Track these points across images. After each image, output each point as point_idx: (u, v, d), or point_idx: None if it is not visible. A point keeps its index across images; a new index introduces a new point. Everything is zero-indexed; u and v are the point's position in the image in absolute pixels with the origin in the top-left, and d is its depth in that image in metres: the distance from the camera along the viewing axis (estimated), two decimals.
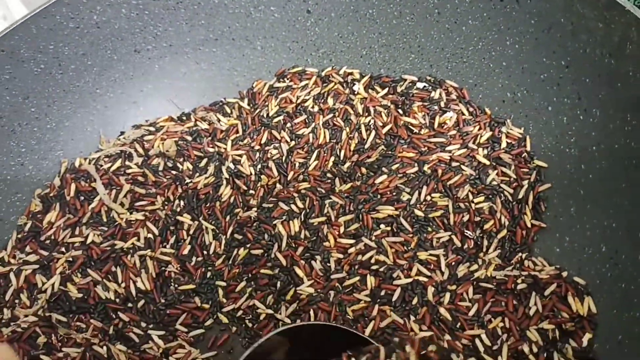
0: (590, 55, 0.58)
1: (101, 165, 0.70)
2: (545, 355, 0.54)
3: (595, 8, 0.56)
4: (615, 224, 0.57)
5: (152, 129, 0.74)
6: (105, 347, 0.59)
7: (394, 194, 0.65)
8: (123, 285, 0.63)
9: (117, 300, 0.62)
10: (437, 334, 0.57)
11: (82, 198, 0.68)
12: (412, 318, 0.59)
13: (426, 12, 0.70)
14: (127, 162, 0.70)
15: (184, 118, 0.75)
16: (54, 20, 0.67)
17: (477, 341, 0.57)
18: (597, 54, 0.57)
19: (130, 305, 0.62)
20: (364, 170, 0.68)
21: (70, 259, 0.64)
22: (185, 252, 0.65)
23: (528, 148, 0.66)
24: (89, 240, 0.65)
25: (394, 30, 0.72)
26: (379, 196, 0.65)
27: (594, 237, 0.58)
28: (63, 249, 0.65)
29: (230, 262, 0.64)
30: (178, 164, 0.70)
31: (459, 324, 0.58)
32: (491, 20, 0.66)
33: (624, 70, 0.55)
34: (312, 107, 0.73)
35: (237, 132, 0.73)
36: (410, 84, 0.72)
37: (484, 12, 0.66)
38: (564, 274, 0.59)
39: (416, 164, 0.66)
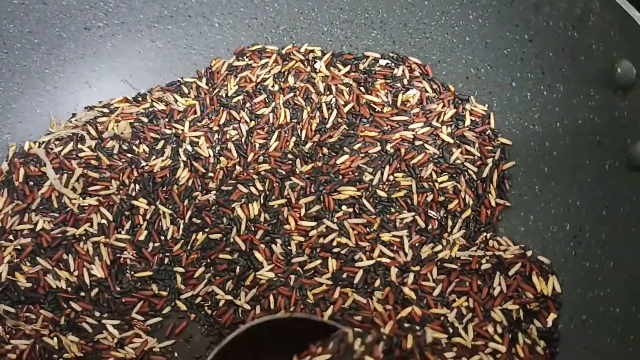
0: (554, 28, 0.57)
1: (52, 149, 0.67)
2: (509, 335, 0.53)
3: None
4: (579, 202, 0.56)
5: (105, 110, 0.71)
6: (56, 339, 0.56)
7: (356, 174, 0.63)
8: (75, 273, 0.60)
9: (69, 289, 0.59)
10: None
11: (31, 183, 0.65)
12: (375, 299, 0.58)
13: None
14: (79, 145, 0.67)
15: (140, 99, 0.72)
16: None
17: (442, 319, 0.55)
18: (561, 27, 0.56)
19: (82, 294, 0.60)
20: (325, 150, 0.66)
21: (19, 247, 0.61)
22: (142, 237, 0.63)
23: (492, 125, 0.64)
24: (38, 227, 0.62)
25: (356, 5, 0.70)
26: (340, 177, 0.63)
27: (558, 215, 0.57)
28: (11, 237, 0.62)
29: (188, 247, 0.62)
30: (134, 147, 0.68)
31: (424, 301, 0.57)
32: None
33: (587, 43, 0.54)
34: (273, 86, 0.70)
35: (195, 112, 0.70)
36: (373, 61, 0.70)
37: None
38: (529, 253, 0.58)
39: (379, 143, 0.64)
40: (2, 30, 0.65)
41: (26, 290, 0.59)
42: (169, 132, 0.68)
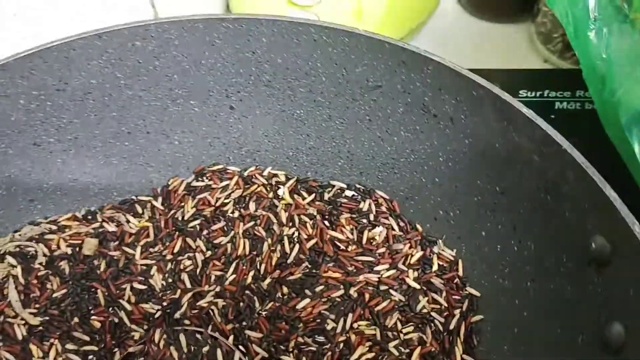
0: (527, 186, 0.55)
1: None
2: None
3: (532, 140, 0.53)
4: None
5: (53, 227, 0.66)
6: None
7: (318, 322, 0.60)
8: None
9: None
10: None
11: None
12: None
13: (357, 118, 0.65)
14: (31, 264, 0.62)
15: (89, 217, 0.68)
16: None
17: None
18: (533, 187, 0.54)
19: None
20: (285, 289, 0.62)
21: None
22: None
23: (460, 273, 0.62)
24: None
25: (323, 133, 0.67)
26: (301, 324, 0.60)
27: None
28: None
29: None
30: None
31: None
32: (424, 134, 0.62)
33: (560, 210, 0.52)
34: (232, 212, 0.67)
35: (148, 236, 0.66)
36: (339, 191, 0.68)
37: (417, 126, 0.62)
38: None
39: (342, 286, 0.61)
40: None
41: None
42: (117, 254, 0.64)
